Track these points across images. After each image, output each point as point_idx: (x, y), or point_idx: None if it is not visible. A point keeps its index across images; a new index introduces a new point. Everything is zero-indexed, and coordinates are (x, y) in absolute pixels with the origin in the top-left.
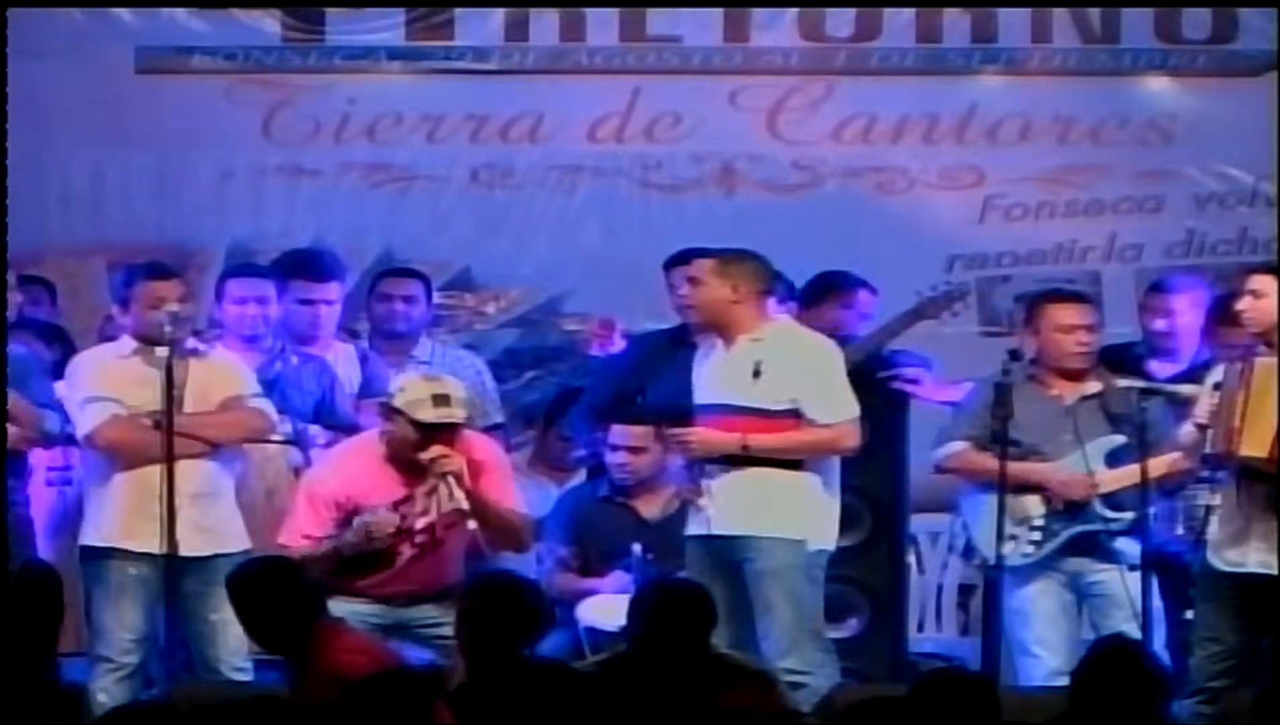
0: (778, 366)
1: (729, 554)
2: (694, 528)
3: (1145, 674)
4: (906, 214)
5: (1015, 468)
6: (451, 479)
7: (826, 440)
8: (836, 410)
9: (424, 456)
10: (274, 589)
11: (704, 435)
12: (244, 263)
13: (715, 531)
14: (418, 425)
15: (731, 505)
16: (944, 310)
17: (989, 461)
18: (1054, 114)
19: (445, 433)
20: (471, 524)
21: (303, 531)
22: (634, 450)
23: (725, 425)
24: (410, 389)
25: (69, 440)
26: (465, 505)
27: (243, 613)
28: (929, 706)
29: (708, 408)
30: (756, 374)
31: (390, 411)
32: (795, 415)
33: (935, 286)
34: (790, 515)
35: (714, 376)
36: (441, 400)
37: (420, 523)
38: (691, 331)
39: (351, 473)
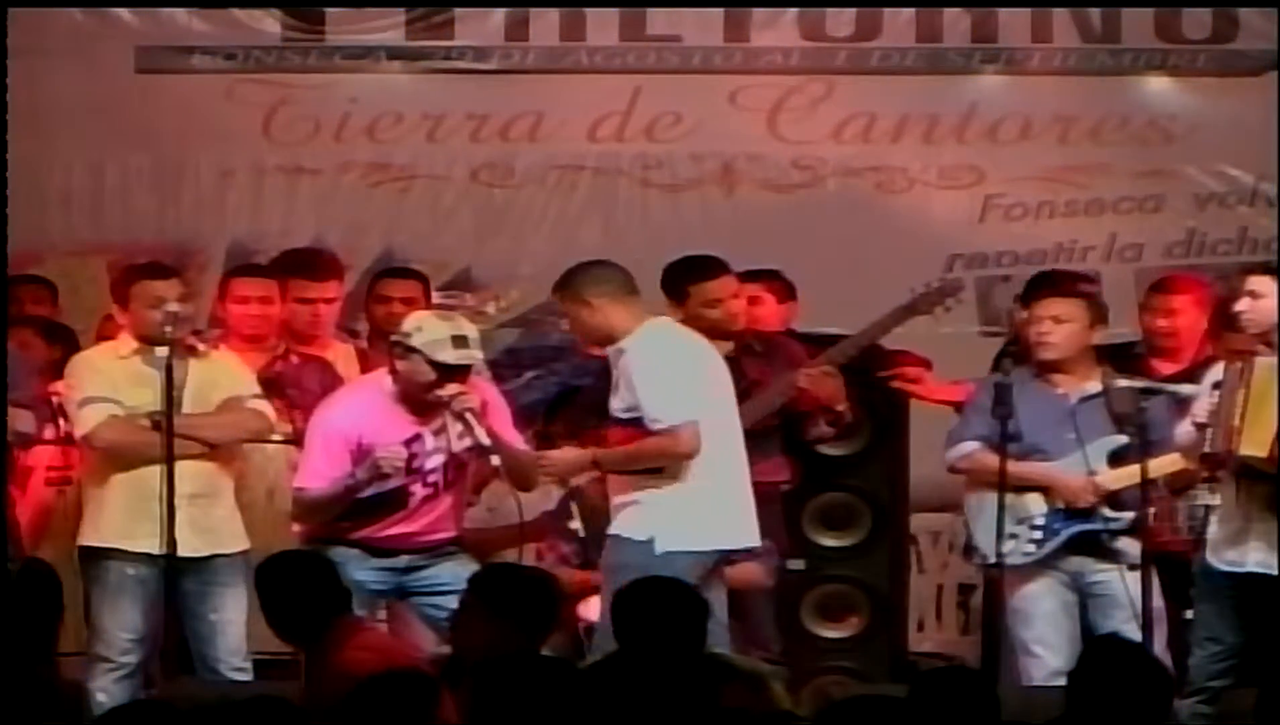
0: (626, 371)
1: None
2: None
3: (1139, 671)
4: (906, 214)
5: (1023, 468)
6: (470, 416)
7: (661, 446)
8: (669, 413)
9: (443, 394)
10: (304, 582)
11: (557, 457)
12: (248, 262)
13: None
14: (434, 365)
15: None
16: (937, 305)
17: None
18: (1054, 113)
19: (460, 373)
20: (495, 460)
21: (319, 472)
22: None
23: (608, 436)
24: (428, 328)
25: (68, 440)
26: (487, 441)
27: (269, 603)
28: (929, 703)
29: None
30: (615, 382)
31: (406, 350)
32: (638, 423)
33: (929, 282)
34: (641, 516)
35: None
36: (460, 341)
37: (431, 462)
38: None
39: (361, 412)
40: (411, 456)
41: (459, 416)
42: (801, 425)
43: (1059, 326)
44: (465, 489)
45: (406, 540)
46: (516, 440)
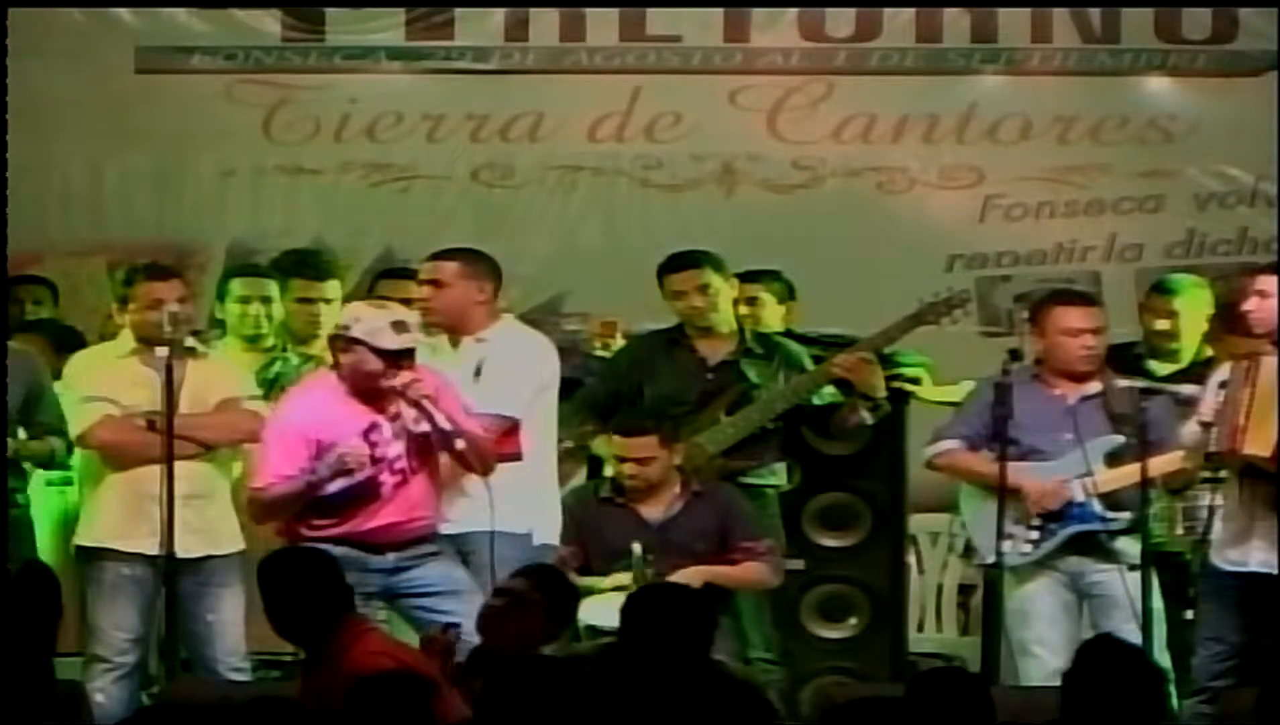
0: (495, 363)
1: (463, 549)
2: None
3: (1133, 671)
4: (906, 214)
5: (993, 470)
6: (426, 402)
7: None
8: (510, 410)
9: (396, 383)
10: (306, 580)
11: None
12: (247, 262)
13: (453, 530)
14: (379, 353)
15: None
16: (944, 316)
17: (976, 462)
18: (1054, 113)
19: (406, 358)
20: (460, 443)
21: (278, 471)
22: (642, 462)
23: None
24: (366, 317)
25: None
26: (447, 425)
27: (270, 601)
28: (924, 704)
29: None
30: (478, 373)
31: (349, 342)
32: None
33: (937, 292)
34: (516, 509)
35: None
36: (400, 326)
37: (393, 450)
38: (688, 333)
39: (315, 408)
40: (372, 446)
41: (414, 404)
42: (838, 414)
43: (1098, 338)
44: (437, 474)
45: (391, 532)
46: (471, 425)
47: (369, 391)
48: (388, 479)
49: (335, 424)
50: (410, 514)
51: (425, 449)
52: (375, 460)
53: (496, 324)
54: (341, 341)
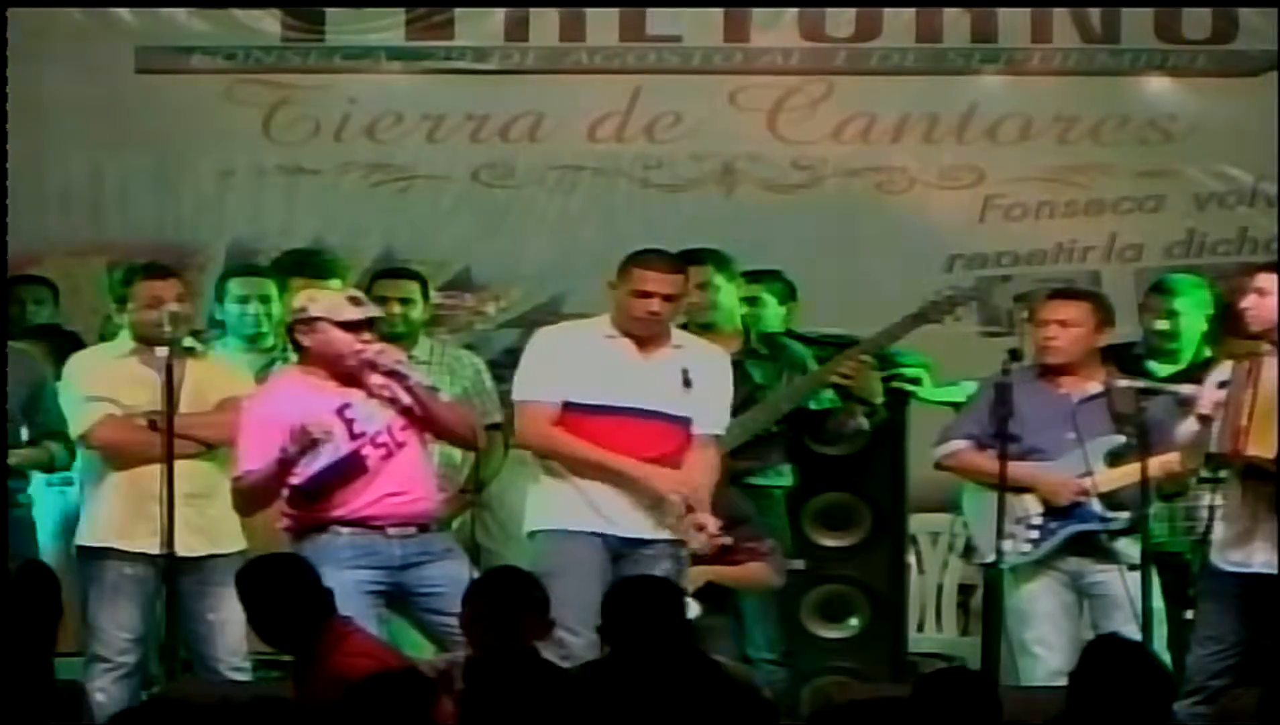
0: (702, 375)
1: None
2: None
3: (1141, 671)
4: (906, 214)
5: (1008, 468)
6: (400, 366)
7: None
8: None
9: (366, 353)
10: (283, 586)
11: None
12: (245, 262)
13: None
14: (344, 326)
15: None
16: (947, 313)
17: (986, 461)
18: (1054, 113)
19: (368, 330)
20: (444, 396)
21: (252, 460)
22: None
23: (653, 432)
24: (320, 298)
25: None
26: (428, 381)
27: (251, 609)
28: (931, 704)
29: (634, 412)
30: (688, 384)
31: (310, 323)
32: (685, 423)
33: (939, 291)
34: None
35: (637, 382)
36: (356, 301)
37: (373, 426)
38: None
39: (286, 396)
40: (349, 422)
41: (389, 373)
42: (833, 419)
43: (1065, 330)
44: (425, 449)
45: (388, 507)
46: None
47: (338, 369)
48: (372, 452)
49: (306, 406)
50: (404, 486)
51: (409, 423)
52: (356, 436)
53: (676, 332)
54: (302, 324)
